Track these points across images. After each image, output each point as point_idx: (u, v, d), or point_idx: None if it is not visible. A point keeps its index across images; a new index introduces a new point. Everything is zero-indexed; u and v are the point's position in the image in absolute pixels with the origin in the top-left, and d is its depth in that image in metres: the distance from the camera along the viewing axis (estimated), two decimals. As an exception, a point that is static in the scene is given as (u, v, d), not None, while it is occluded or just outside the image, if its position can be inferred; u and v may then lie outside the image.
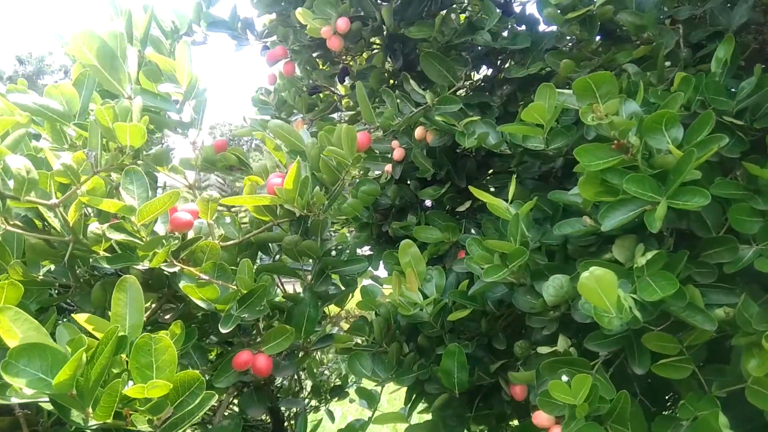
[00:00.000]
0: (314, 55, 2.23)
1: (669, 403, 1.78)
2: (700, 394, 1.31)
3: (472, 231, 1.98)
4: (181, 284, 1.31)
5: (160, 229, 1.22)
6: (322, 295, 1.63)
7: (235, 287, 1.36)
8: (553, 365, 1.34)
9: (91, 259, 1.14)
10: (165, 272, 1.35)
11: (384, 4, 1.90)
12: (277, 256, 1.78)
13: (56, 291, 1.54)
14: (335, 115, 2.49)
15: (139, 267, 1.18)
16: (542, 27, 2.12)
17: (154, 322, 1.46)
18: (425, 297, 1.65)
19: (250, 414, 1.46)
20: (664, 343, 1.30)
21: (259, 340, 1.52)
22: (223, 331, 1.25)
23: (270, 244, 1.75)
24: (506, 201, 1.51)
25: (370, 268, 2.45)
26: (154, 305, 1.48)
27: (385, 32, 2.22)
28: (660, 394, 1.65)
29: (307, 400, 2.36)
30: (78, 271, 1.40)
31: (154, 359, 1.01)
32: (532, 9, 2.26)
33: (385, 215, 2.19)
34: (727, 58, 1.45)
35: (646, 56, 1.74)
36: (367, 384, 2.01)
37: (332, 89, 2.34)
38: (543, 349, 1.38)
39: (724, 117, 1.37)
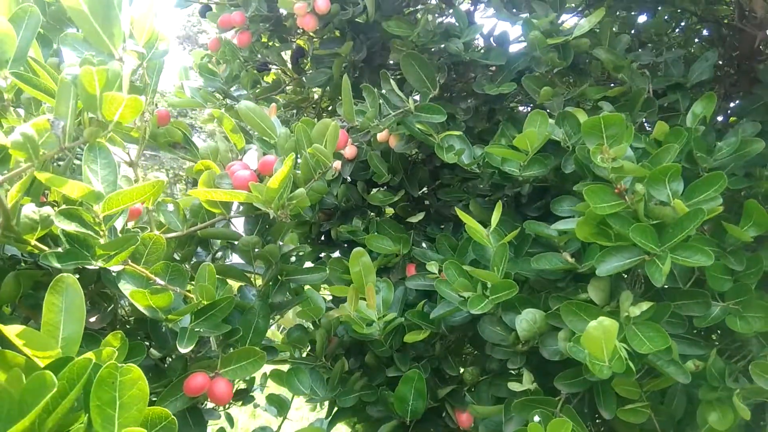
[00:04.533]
0: (269, 28, 2.01)
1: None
2: (652, 439, 1.35)
3: (423, 245, 1.90)
4: (126, 288, 1.08)
5: (119, 222, 0.98)
6: (274, 305, 1.45)
7: (187, 294, 1.16)
8: (525, 404, 1.30)
9: (41, 258, 0.88)
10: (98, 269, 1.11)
11: (366, -9, 1.74)
12: (218, 254, 1.57)
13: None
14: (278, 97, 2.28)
15: (92, 267, 0.94)
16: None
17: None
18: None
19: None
20: (629, 388, 1.32)
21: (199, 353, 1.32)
22: (183, 351, 1.04)
23: (210, 240, 1.54)
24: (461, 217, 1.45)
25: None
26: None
27: (367, 21, 2.05)
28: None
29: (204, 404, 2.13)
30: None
31: (117, 394, 0.80)
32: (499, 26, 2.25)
33: (329, 215, 2.04)
34: (706, 115, 1.50)
35: (617, 96, 1.78)
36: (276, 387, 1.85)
37: (283, 69, 2.13)
38: (514, 386, 1.34)
39: (701, 173, 1.42)
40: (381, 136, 1.84)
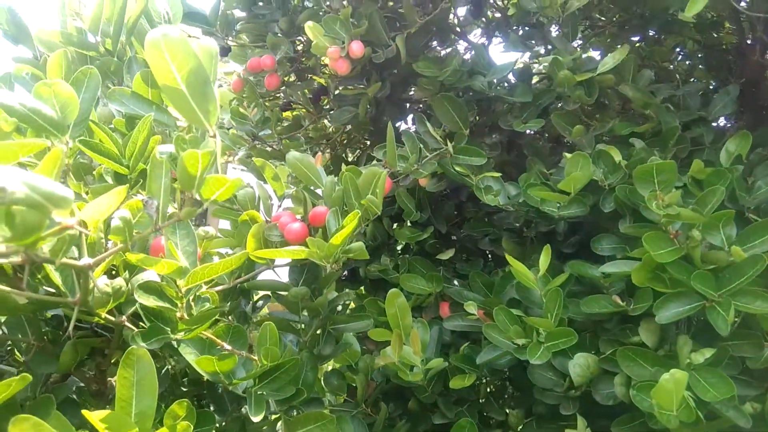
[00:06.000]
0: (293, 69, 2.01)
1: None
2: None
3: (455, 282, 1.89)
4: (189, 354, 1.04)
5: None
6: (320, 356, 1.42)
7: (249, 356, 1.13)
8: (585, 452, 1.29)
9: (130, 338, 0.85)
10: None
11: (396, 33, 1.75)
12: (259, 303, 1.54)
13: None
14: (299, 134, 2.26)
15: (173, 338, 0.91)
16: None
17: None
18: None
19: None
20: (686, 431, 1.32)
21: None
22: (256, 419, 1.01)
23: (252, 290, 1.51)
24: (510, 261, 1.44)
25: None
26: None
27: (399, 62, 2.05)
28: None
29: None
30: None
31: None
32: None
33: (357, 254, 2.01)
34: (741, 153, 1.52)
35: (645, 132, 1.80)
36: None
37: (307, 108, 2.12)
38: (572, 434, 1.33)
39: (744, 214, 1.43)
40: (411, 175, 1.84)
